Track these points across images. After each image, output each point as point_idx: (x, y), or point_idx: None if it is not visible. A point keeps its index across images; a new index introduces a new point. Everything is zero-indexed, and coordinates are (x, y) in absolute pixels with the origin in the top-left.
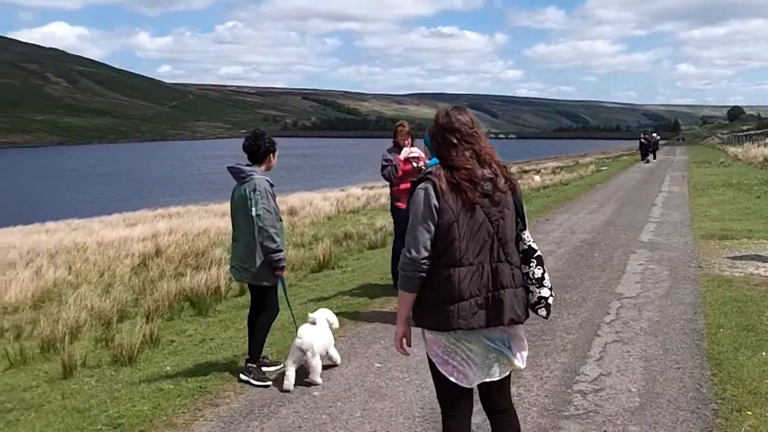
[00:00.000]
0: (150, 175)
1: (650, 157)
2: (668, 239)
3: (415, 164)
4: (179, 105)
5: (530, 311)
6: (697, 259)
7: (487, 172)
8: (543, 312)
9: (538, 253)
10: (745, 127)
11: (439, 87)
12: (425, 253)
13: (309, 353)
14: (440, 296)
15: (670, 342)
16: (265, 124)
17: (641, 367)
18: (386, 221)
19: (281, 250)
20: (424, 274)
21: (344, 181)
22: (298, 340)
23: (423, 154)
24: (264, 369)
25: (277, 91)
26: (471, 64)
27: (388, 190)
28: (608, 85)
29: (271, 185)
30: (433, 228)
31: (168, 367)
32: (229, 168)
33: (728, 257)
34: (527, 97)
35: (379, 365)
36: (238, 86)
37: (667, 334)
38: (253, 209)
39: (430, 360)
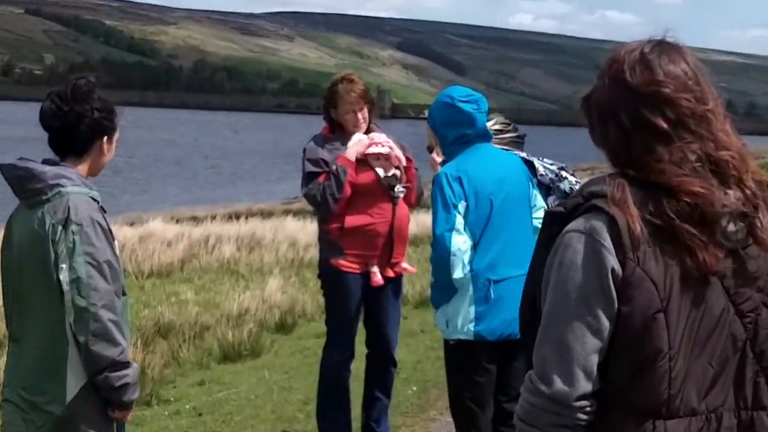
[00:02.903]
0: None
1: None
2: None
3: (381, 172)
4: None
5: None
6: None
7: (733, 197)
8: None
9: None
10: None
11: (337, 3)
12: (585, 386)
13: None
14: None
15: None
16: None
17: None
18: (249, 298)
19: (128, 363)
20: None
21: (130, 205)
22: None
23: (398, 150)
24: None
25: None
26: None
27: (234, 228)
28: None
29: (102, 210)
30: (606, 326)
31: None
32: (4, 170)
33: None
34: (530, 31)
35: None
36: None
37: None
38: (64, 268)
39: None
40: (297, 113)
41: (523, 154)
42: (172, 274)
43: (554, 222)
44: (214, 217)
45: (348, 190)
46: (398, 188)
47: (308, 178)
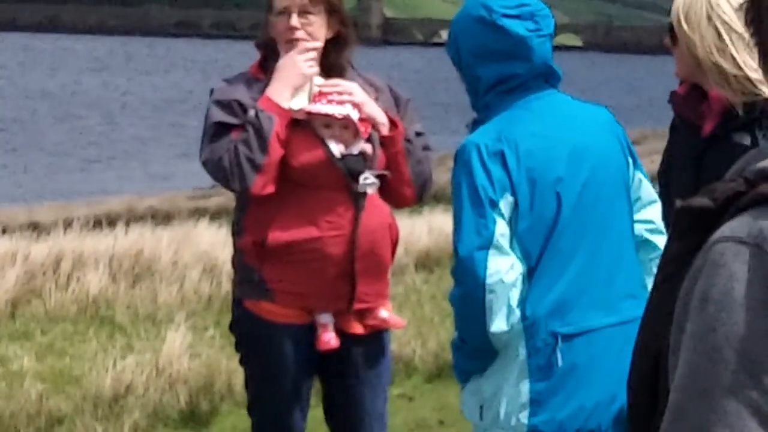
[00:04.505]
0: None
1: None
2: None
3: (335, 149)
4: None
5: None
6: None
7: None
8: None
9: None
10: None
11: None
12: None
13: None
14: None
15: None
16: None
17: None
18: (133, 368)
19: None
20: None
21: None
22: None
23: (372, 108)
24: None
25: None
26: None
27: (105, 243)
28: None
29: None
30: None
31: None
32: None
33: None
34: None
35: None
36: None
37: None
38: None
39: None
40: (213, 38)
41: None
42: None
43: (694, 224)
44: (69, 224)
45: (277, 152)
46: (366, 177)
47: (213, 132)
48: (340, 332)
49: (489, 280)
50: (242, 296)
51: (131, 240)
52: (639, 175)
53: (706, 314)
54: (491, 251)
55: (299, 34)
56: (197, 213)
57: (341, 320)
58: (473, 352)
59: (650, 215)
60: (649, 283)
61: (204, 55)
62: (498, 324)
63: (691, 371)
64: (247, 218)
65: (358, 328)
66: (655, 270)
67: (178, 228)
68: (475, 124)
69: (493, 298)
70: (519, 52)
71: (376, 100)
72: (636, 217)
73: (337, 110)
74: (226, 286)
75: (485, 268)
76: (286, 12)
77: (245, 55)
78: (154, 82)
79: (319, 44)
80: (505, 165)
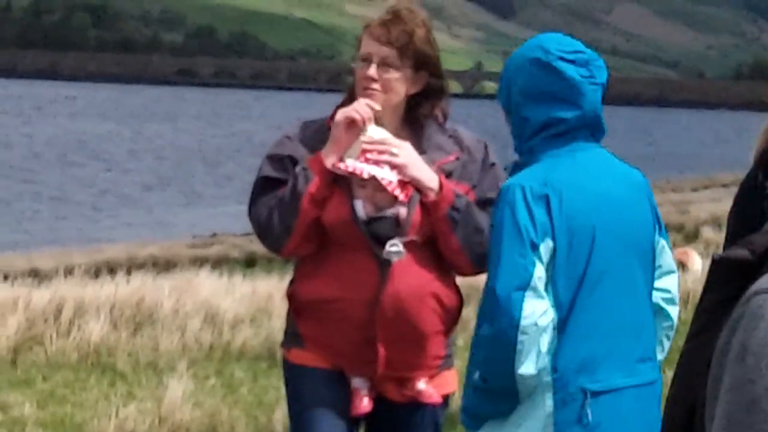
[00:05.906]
0: None
1: None
2: None
3: (360, 209)
4: None
5: None
6: None
7: None
8: None
9: None
10: None
11: None
12: None
13: None
14: None
15: None
16: None
17: None
18: (135, 415)
19: None
20: None
21: None
22: None
23: (419, 169)
24: None
25: None
26: None
27: (107, 291)
28: None
29: None
30: None
31: None
32: None
33: None
34: None
35: None
36: None
37: None
38: None
39: None
40: (213, 86)
41: None
42: None
43: (731, 276)
44: (70, 272)
45: (309, 214)
46: (393, 244)
47: (260, 187)
48: (380, 397)
49: (523, 322)
50: (282, 343)
51: (132, 288)
52: (663, 242)
53: (745, 366)
54: (528, 293)
55: (374, 85)
56: (198, 261)
57: (380, 384)
58: (494, 394)
59: (668, 284)
60: (659, 351)
61: (205, 104)
62: (527, 367)
63: (730, 424)
64: (297, 270)
65: (396, 395)
66: (665, 340)
67: (179, 276)
68: (516, 167)
69: (525, 340)
70: (570, 96)
71: (457, 159)
72: (654, 284)
73: (366, 169)
74: (227, 335)
75: (521, 309)
76: (368, 60)
77: (244, 103)
78: (156, 130)
79: (380, 101)
80: (548, 210)
